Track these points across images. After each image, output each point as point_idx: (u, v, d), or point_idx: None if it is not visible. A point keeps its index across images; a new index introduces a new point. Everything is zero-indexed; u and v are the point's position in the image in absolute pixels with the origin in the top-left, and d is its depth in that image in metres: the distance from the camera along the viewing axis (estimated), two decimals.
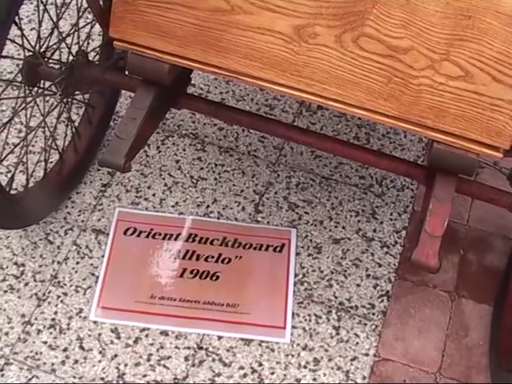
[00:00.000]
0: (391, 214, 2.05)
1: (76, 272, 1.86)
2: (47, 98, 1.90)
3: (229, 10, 1.44)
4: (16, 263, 1.86)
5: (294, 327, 1.81)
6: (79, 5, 1.77)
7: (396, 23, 1.38)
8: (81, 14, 1.79)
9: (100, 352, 1.75)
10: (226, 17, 1.45)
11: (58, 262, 1.87)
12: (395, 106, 1.43)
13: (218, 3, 1.44)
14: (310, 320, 1.83)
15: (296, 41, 1.43)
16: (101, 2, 1.64)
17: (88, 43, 1.87)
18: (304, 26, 1.41)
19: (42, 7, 1.71)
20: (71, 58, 1.74)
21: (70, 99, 1.83)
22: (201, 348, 1.77)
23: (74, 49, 1.76)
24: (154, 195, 2.01)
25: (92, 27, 1.88)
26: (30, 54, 1.70)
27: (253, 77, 1.48)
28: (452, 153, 1.45)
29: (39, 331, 1.77)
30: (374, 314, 1.86)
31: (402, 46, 1.39)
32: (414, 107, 1.42)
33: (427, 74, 1.39)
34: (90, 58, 1.78)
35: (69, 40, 1.79)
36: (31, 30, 2.33)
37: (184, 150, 2.13)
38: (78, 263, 1.87)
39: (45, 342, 1.75)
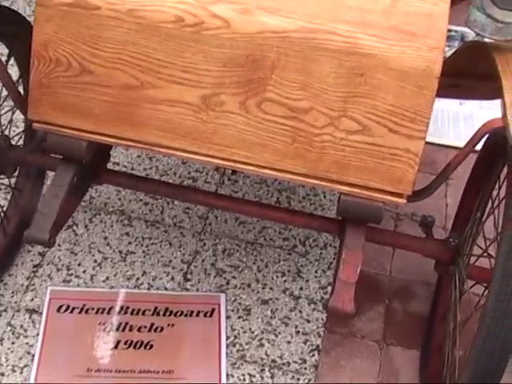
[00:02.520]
0: (316, 272, 2.13)
1: (12, 352, 1.89)
2: None
3: (139, 86, 1.52)
4: None
5: None
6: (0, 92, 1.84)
7: (295, 86, 1.48)
8: (1, 101, 1.86)
9: None
10: (136, 92, 1.53)
11: None
12: (302, 164, 1.52)
13: (129, 80, 1.52)
14: (244, 379, 1.88)
15: (204, 110, 1.52)
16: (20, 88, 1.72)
17: (11, 128, 1.93)
18: (210, 96, 1.51)
19: None
20: None
21: None
22: None
23: None
24: (84, 272, 2.06)
25: (14, 113, 1.95)
26: None
27: (166, 147, 1.56)
28: (358, 203, 1.54)
29: None
30: (306, 368, 1.92)
31: (303, 107, 1.49)
32: (319, 163, 1.51)
33: (328, 131, 1.49)
34: (16, 143, 1.85)
35: None
36: None
37: (111, 226, 2.19)
38: (13, 343, 1.90)
39: None
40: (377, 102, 1.46)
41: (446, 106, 2.79)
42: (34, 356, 1.88)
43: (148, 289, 2.04)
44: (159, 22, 1.46)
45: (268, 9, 1.47)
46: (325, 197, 2.33)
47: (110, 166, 2.00)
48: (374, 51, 1.44)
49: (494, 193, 1.71)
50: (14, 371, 1.85)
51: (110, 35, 1.48)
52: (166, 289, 2.04)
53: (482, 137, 1.53)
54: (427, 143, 1.51)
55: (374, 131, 1.48)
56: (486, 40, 1.68)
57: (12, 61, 1.86)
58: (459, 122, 2.77)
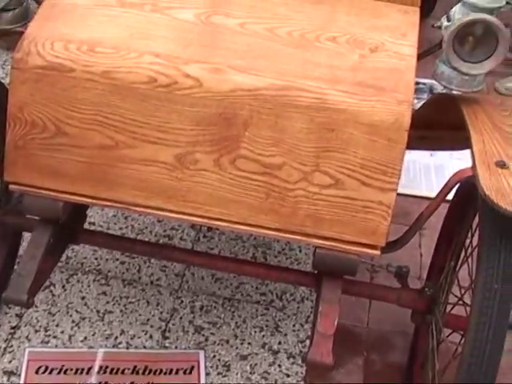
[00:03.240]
0: (294, 326, 2.13)
1: None
2: None
3: (114, 146, 1.54)
4: None
5: None
6: None
7: (268, 143, 1.50)
8: None
9: None
10: (111, 152, 1.55)
11: None
12: (276, 219, 1.54)
13: (104, 140, 1.54)
14: None
15: (179, 168, 1.54)
16: None
17: None
18: (184, 154, 1.53)
19: None
20: None
21: None
22: None
23: None
24: (62, 332, 2.06)
25: None
26: None
27: (142, 206, 1.58)
28: (333, 256, 1.56)
29: None
30: None
31: (276, 163, 1.51)
32: (293, 218, 1.54)
33: (302, 186, 1.52)
34: None
35: None
36: None
37: (89, 285, 2.19)
38: None
39: None
40: (348, 156, 1.49)
41: (416, 157, 2.83)
42: None
43: (127, 348, 2.04)
44: (133, 83, 1.49)
45: (239, 68, 1.51)
46: (300, 251, 2.35)
47: (85, 225, 2.01)
48: (344, 106, 1.47)
49: (467, 241, 1.73)
50: None
51: (84, 97, 1.51)
52: (144, 347, 2.04)
53: (453, 186, 1.56)
54: (400, 195, 1.54)
55: (346, 185, 1.51)
56: (454, 92, 1.72)
57: None
58: (430, 172, 2.81)
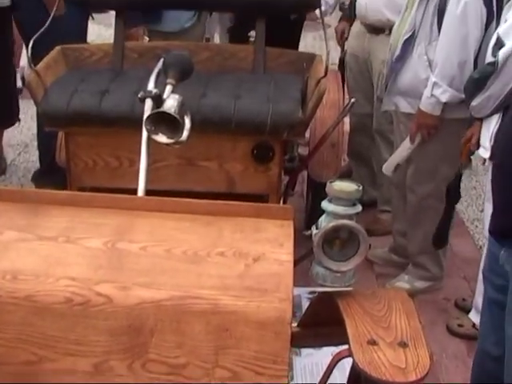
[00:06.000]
0: None
1: None
2: None
3: (37, 361, 1.74)
4: None
5: None
6: None
7: (172, 346, 1.73)
8: None
9: None
10: (35, 367, 1.74)
11: None
12: None
13: (29, 357, 1.74)
14: None
15: (96, 375, 1.75)
16: None
17: None
18: (101, 363, 1.74)
19: None
20: None
21: None
22: None
23: None
24: None
25: None
26: None
27: None
28: None
29: None
30: None
31: (181, 363, 1.74)
32: None
33: (204, 381, 1.74)
34: None
35: None
36: None
37: None
38: None
39: None
40: (243, 351, 1.73)
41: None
42: None
43: None
44: (52, 304, 1.73)
45: (143, 284, 1.77)
46: None
47: None
48: (235, 308, 1.73)
49: None
50: None
51: (9, 319, 1.73)
52: None
53: (335, 364, 1.81)
54: None
55: (243, 376, 1.74)
56: (330, 289, 2.02)
57: None
58: None
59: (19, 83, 6.47)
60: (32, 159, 5.30)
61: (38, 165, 4.84)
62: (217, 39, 5.64)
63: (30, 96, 3.13)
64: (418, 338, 1.82)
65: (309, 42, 8.60)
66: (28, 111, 5.50)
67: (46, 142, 4.34)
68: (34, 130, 5.04)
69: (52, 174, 4.18)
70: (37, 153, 4.82)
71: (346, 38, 4.74)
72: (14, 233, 1.91)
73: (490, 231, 2.46)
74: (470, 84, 3.09)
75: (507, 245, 2.34)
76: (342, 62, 4.74)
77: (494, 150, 2.76)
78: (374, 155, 4.48)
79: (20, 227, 1.93)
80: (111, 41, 3.51)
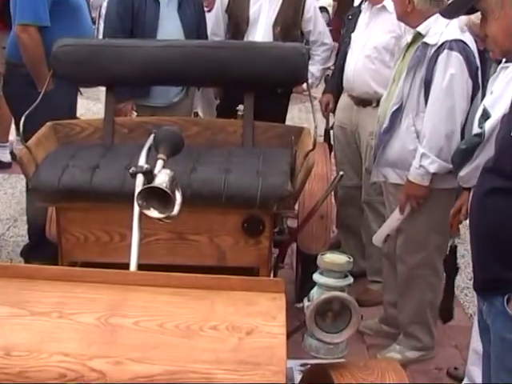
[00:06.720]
0: None
1: None
2: None
3: None
4: None
5: None
6: None
7: None
8: None
9: None
10: None
11: None
12: None
13: None
14: None
15: None
16: None
17: None
18: None
19: None
20: None
21: None
22: None
23: None
24: None
25: None
26: None
27: None
28: None
29: None
30: None
31: None
32: None
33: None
34: None
35: None
36: None
37: None
38: None
39: None
40: None
41: None
42: None
43: None
44: (45, 380, 1.73)
45: (136, 359, 1.77)
46: None
47: None
48: (228, 381, 1.73)
49: None
50: None
51: None
52: None
53: None
54: None
55: None
56: (323, 361, 2.02)
57: None
58: None
59: (8, 157, 6.54)
60: (21, 233, 5.29)
61: (27, 239, 4.83)
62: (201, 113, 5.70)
63: (18, 170, 3.15)
64: None
65: (295, 113, 8.72)
66: (17, 185, 5.53)
67: (35, 217, 4.34)
68: (23, 205, 5.06)
69: (41, 249, 4.18)
70: (26, 227, 4.82)
71: (331, 110, 4.81)
72: (7, 308, 1.91)
73: (473, 288, 2.51)
74: (457, 155, 3.14)
75: (487, 299, 2.38)
76: (327, 133, 4.81)
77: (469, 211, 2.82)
78: (363, 226, 4.51)
79: (12, 303, 1.94)
80: (100, 115, 3.55)
